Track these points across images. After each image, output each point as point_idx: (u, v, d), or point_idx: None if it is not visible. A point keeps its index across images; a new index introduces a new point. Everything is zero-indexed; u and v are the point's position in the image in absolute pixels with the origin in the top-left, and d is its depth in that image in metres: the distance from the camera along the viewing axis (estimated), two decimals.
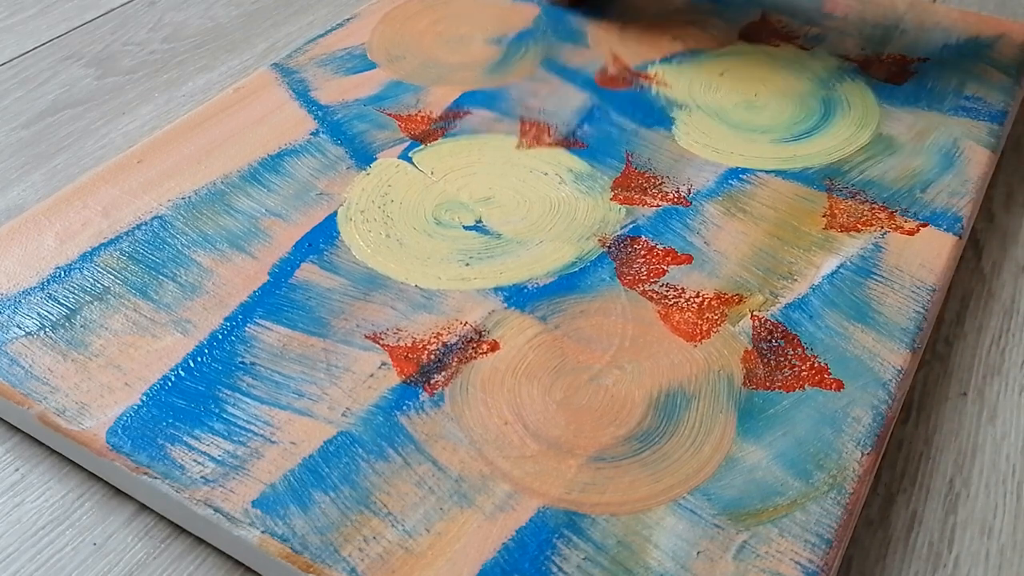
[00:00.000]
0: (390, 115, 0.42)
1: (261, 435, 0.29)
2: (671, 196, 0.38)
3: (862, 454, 0.29)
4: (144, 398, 0.30)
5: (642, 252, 0.36)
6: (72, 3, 0.56)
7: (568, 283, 0.34)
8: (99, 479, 0.30)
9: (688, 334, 0.32)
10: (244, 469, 0.28)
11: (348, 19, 0.49)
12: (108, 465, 0.29)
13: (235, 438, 0.29)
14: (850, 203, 0.38)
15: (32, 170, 0.43)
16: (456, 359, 0.31)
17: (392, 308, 0.33)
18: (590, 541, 0.26)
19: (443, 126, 0.42)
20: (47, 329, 0.32)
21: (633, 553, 0.26)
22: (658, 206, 0.38)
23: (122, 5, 0.55)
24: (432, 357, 0.31)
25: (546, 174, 0.39)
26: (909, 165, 0.40)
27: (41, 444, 0.31)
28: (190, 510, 0.27)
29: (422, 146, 0.41)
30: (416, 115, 0.42)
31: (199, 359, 0.31)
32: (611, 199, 0.38)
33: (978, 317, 0.36)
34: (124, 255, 0.35)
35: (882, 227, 0.37)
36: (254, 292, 0.34)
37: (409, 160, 0.40)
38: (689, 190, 0.39)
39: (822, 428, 0.29)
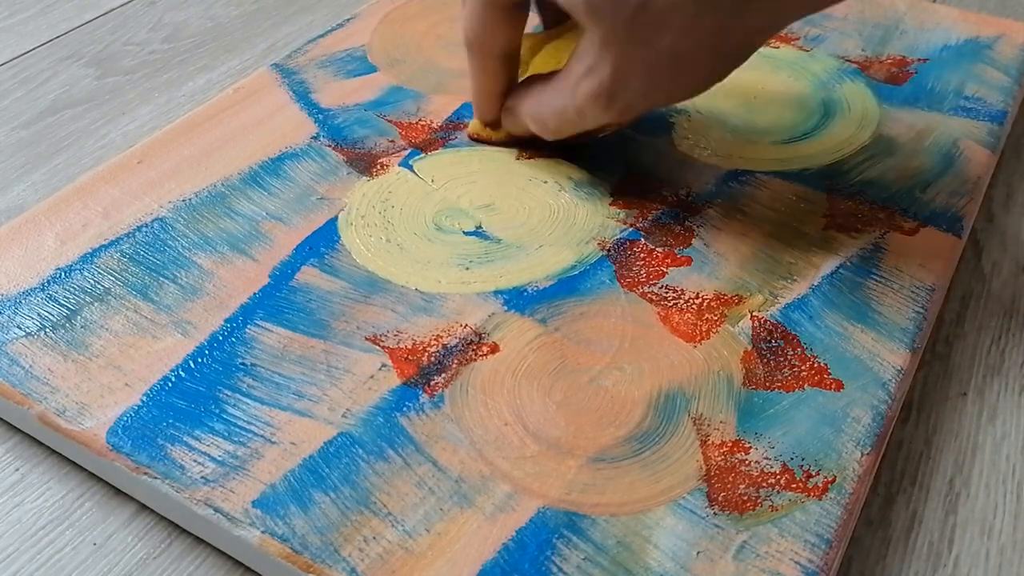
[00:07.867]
0: (391, 122, 0.42)
1: (261, 435, 0.29)
2: (671, 200, 0.38)
3: (862, 454, 0.29)
4: (144, 398, 0.30)
5: (641, 255, 0.36)
6: (72, 3, 0.56)
7: (568, 286, 0.34)
8: (99, 479, 0.30)
9: (688, 335, 0.32)
10: (244, 469, 0.28)
11: (348, 19, 0.49)
12: (108, 465, 0.29)
13: (235, 438, 0.29)
14: (850, 203, 0.38)
15: (32, 170, 0.43)
16: (456, 361, 0.31)
17: (392, 311, 0.33)
18: (590, 541, 0.26)
19: (443, 136, 0.41)
20: (47, 330, 0.32)
21: (633, 553, 0.26)
22: (658, 210, 0.38)
23: (122, 5, 0.56)
24: (432, 359, 0.31)
25: (546, 182, 0.39)
26: (909, 165, 0.40)
27: (41, 444, 0.31)
28: (190, 510, 0.27)
29: (423, 155, 0.40)
30: (417, 123, 0.42)
31: (199, 360, 0.31)
32: (611, 204, 0.38)
33: (978, 317, 0.36)
34: (124, 256, 0.35)
35: (882, 227, 0.37)
36: (254, 294, 0.34)
37: (410, 168, 0.40)
38: (688, 194, 0.39)
39: (822, 428, 0.29)
